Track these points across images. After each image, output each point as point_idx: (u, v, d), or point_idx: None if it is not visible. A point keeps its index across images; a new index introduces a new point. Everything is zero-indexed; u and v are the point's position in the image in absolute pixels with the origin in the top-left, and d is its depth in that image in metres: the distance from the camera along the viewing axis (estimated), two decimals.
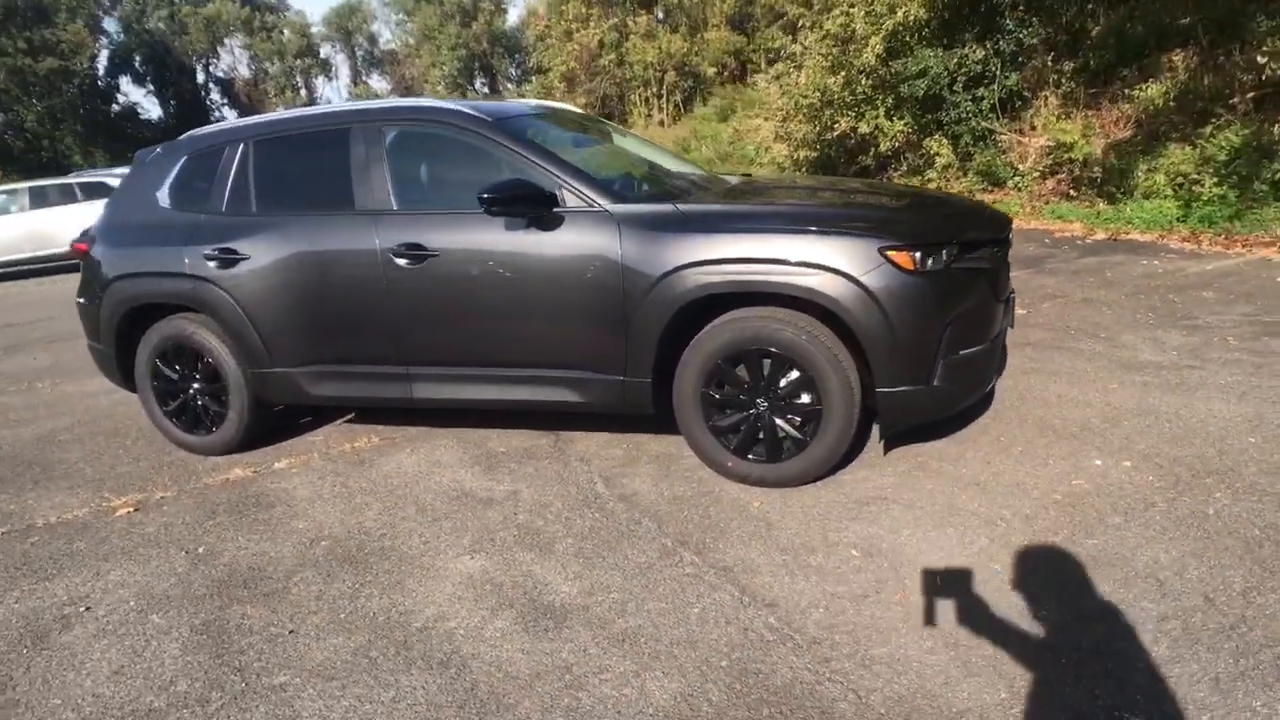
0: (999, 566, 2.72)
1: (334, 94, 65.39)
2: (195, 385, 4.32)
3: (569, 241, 3.46)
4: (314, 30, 61.89)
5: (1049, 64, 10.85)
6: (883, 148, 11.56)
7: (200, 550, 3.37)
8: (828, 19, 11.17)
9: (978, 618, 2.48)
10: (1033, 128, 10.93)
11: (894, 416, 3.25)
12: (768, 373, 3.33)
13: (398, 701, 2.35)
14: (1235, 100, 9.14)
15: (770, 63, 18.24)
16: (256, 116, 4.45)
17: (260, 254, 3.94)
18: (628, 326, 3.41)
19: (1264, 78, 8.96)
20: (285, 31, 60.51)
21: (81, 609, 3.01)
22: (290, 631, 2.74)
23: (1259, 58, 8.43)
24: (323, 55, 63.44)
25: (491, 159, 3.70)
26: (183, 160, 4.30)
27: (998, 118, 10.84)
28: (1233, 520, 2.87)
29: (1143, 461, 3.35)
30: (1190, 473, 3.22)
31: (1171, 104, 9.76)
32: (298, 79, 63.84)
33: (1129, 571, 2.63)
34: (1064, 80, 11.11)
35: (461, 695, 2.36)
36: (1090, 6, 11.17)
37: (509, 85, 56.56)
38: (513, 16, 56.85)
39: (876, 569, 2.79)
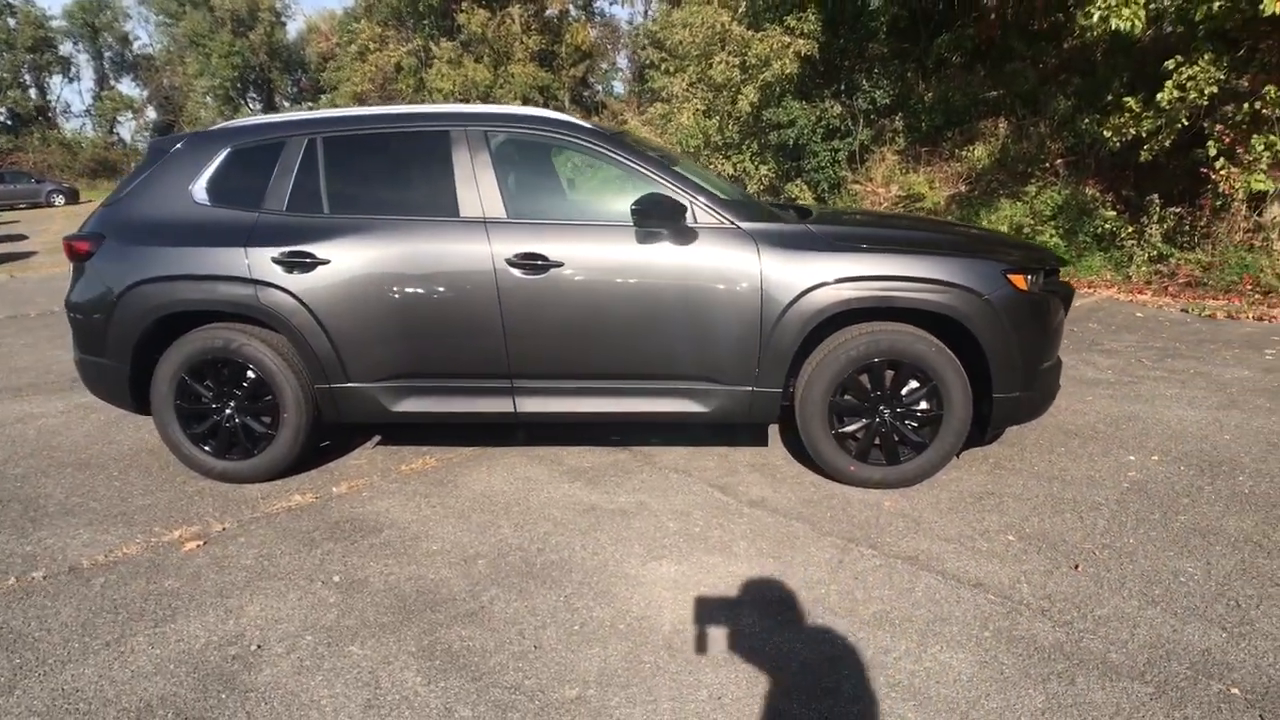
0: (1134, 540, 3.21)
1: (74, 97, 57.58)
2: (235, 404, 3.87)
3: (706, 256, 3.59)
4: (54, 24, 54.43)
5: (891, 123, 12.34)
6: (749, 189, 12.47)
7: (337, 579, 3.08)
8: (711, 67, 11.89)
9: (1161, 583, 2.93)
10: (870, 179, 12.35)
11: (1003, 420, 3.70)
12: (891, 382, 3.65)
13: (708, 702, 2.37)
14: (1047, 164, 10.97)
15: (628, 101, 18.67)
16: (314, 111, 4.12)
17: (342, 259, 3.67)
18: (764, 339, 3.59)
19: (1068, 147, 10.86)
20: (13, 20, 52.57)
21: (251, 646, 2.66)
22: (535, 647, 2.63)
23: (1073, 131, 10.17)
24: (62, 53, 55.89)
25: (613, 173, 3.75)
26: (225, 153, 3.89)
27: (851, 168, 12.12)
28: (1268, 495, 3.58)
29: (1164, 456, 4.05)
30: (1207, 462, 3.95)
31: (994, 164, 11.49)
32: (26, 76, 55.70)
33: (1227, 537, 3.22)
34: (898, 138, 12.68)
35: (783, 687, 2.41)
36: (924, 74, 12.88)
37: (285, 104, 53.15)
38: (292, 30, 53.78)
39: (1038, 549, 3.17)
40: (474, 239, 3.66)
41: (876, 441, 3.73)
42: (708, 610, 2.81)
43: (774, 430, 4.52)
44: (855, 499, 3.66)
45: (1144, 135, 8.12)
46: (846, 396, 3.67)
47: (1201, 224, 8.55)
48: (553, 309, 3.67)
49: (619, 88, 39.12)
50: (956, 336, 3.62)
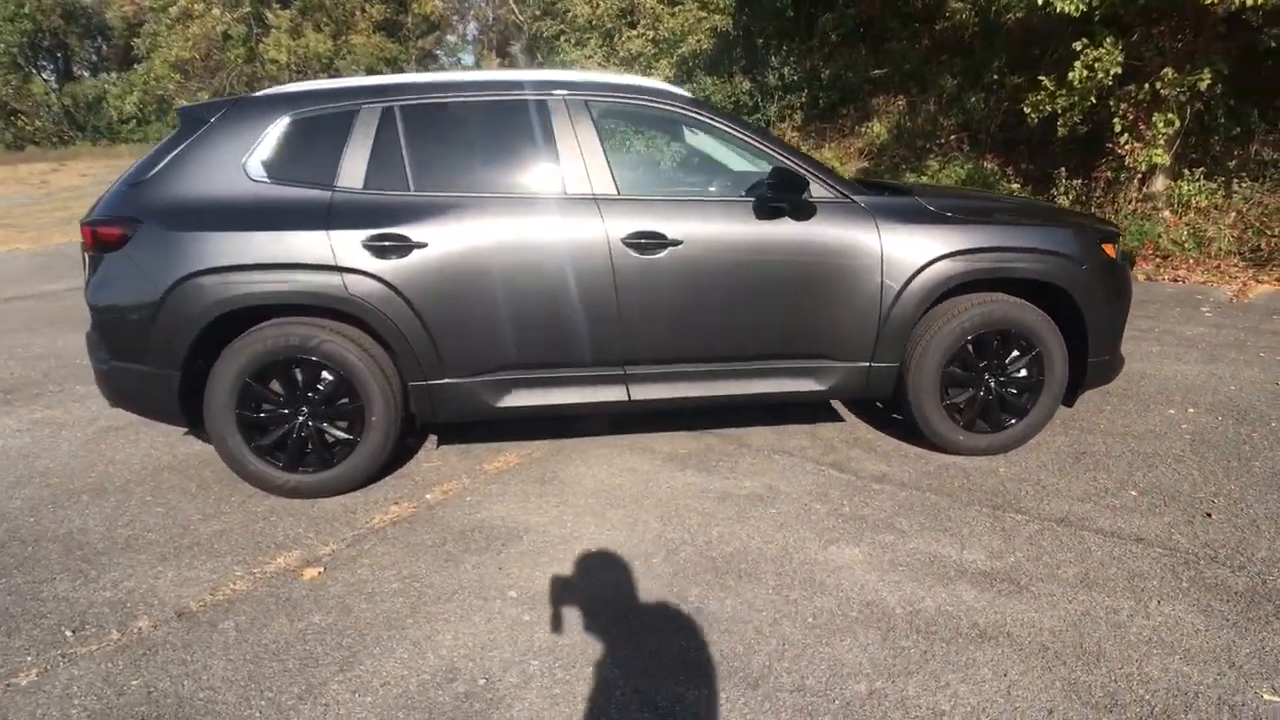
0: (1235, 486, 3.48)
1: None
2: (309, 409, 3.43)
3: (826, 232, 3.53)
4: None
5: (797, 99, 12.67)
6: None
7: (514, 594, 2.82)
8: (619, 41, 11.69)
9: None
10: None
11: (1094, 382, 3.90)
12: (997, 351, 3.75)
13: (992, 681, 2.36)
14: (941, 140, 11.65)
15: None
16: (386, 77, 3.65)
17: (440, 241, 3.32)
18: (884, 314, 3.59)
19: (959, 124, 11.57)
20: None
21: (477, 681, 2.38)
22: (785, 644, 2.51)
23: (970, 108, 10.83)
24: None
25: (728, 146, 3.61)
26: (280, 122, 3.40)
27: None
28: (1271, 433, 3.99)
29: (1198, 409, 4.42)
30: (1236, 411, 4.35)
31: (893, 140, 12.07)
32: None
33: None
34: (795, 114, 13.05)
35: (1050, 656, 2.44)
36: (810, 52, 13.28)
37: (84, 74, 47.20)
38: None
39: (1164, 502, 3.37)
40: (586, 217, 3.40)
41: (975, 408, 3.82)
42: (924, 589, 2.79)
43: (836, 405, 4.54)
44: (969, 468, 3.75)
45: (1060, 111, 8.76)
46: (955, 368, 3.73)
47: (1097, 195, 9.38)
48: (671, 290, 3.49)
49: (468, 59, 37.83)
50: (1051, 303, 3.75)
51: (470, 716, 2.23)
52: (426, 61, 36.03)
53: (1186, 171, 8.70)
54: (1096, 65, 8.47)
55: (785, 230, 3.50)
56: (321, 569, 2.98)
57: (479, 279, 3.36)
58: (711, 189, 3.83)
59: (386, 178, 3.38)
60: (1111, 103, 8.67)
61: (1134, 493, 3.46)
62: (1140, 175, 8.84)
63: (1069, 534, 3.13)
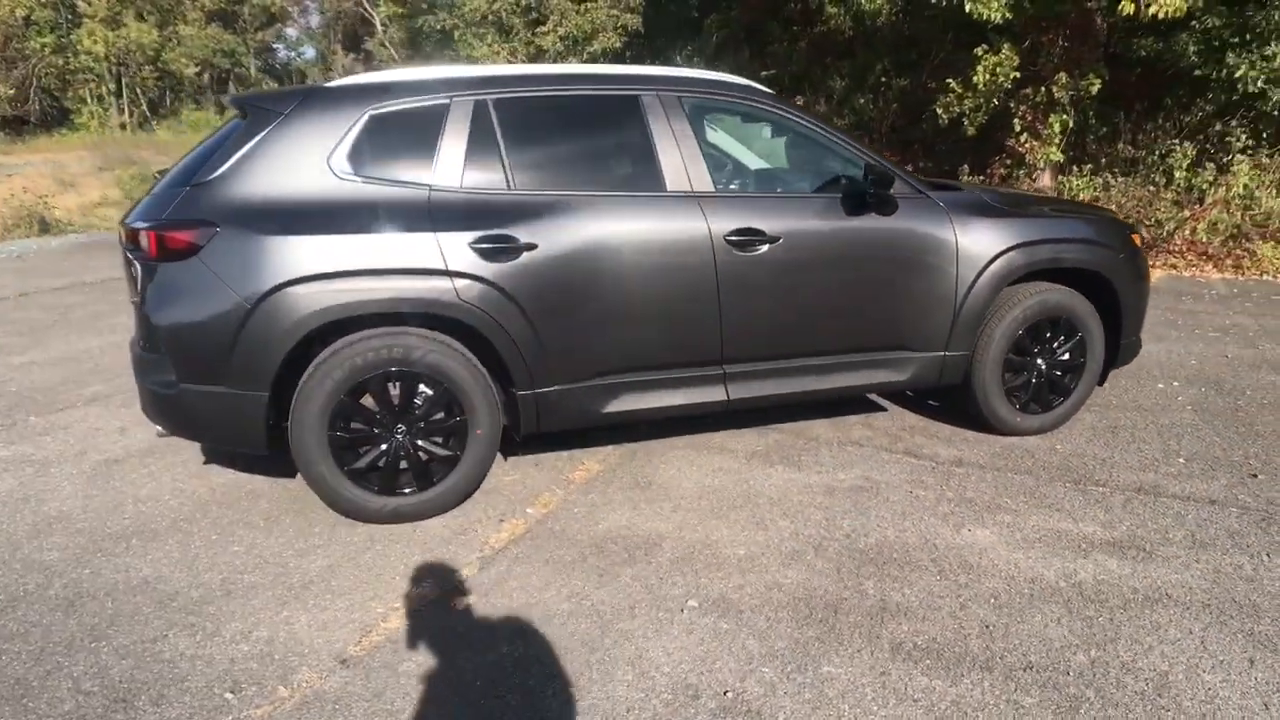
0: (1257, 449, 3.91)
1: None
2: (408, 426, 3.18)
3: (907, 227, 3.66)
4: None
5: None
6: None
7: (694, 604, 2.75)
8: (524, 37, 11.45)
9: None
10: None
11: (1124, 362, 4.25)
12: (1048, 337, 4.01)
13: (1200, 653, 2.55)
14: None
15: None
16: (471, 69, 3.41)
17: (550, 242, 3.18)
18: (959, 304, 3.76)
19: (851, 124, 12.20)
20: None
21: (725, 695, 2.31)
22: (986, 627, 2.60)
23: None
24: None
25: (809, 142, 3.66)
26: (367, 116, 3.12)
27: None
28: (1257, 398, 4.54)
29: (1180, 382, 4.91)
30: (1212, 382, 4.87)
31: None
32: None
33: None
34: None
35: (1233, 613, 2.65)
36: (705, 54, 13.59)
37: None
38: None
39: (1210, 466, 3.72)
40: (689, 215, 3.35)
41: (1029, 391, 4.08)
42: (1070, 562, 2.95)
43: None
44: (1028, 447, 3.99)
45: (967, 112, 9.42)
46: (1012, 354, 3.96)
47: None
48: (769, 287, 3.50)
49: (310, 52, 35.70)
50: (1090, 289, 4.05)
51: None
52: (266, 56, 33.78)
53: (1075, 167, 9.58)
54: (998, 70, 9.18)
55: (872, 225, 3.59)
56: (471, 596, 2.77)
57: (587, 280, 3.23)
58: (793, 186, 3.86)
59: (484, 176, 3.19)
60: (1012, 105, 9.41)
61: (1181, 460, 3.80)
62: (1031, 171, 9.64)
63: (1152, 502, 3.40)
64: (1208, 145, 9.58)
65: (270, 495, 3.52)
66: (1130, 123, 10.40)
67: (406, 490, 3.22)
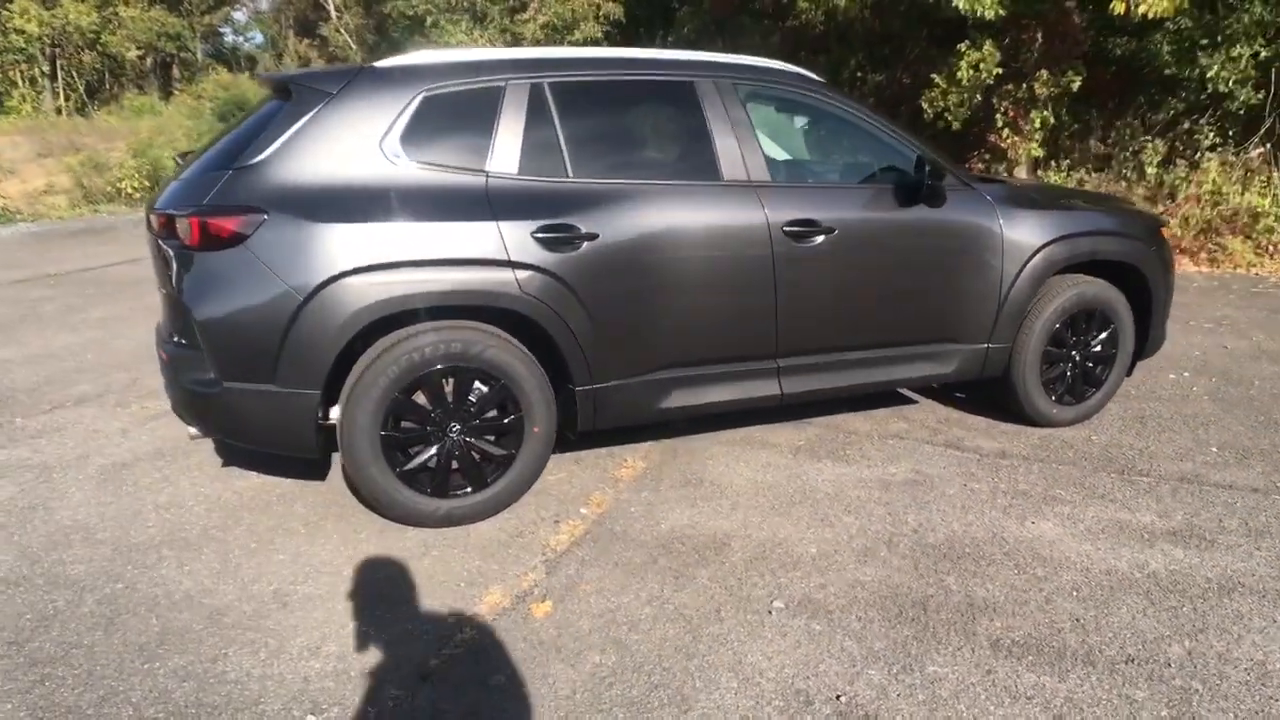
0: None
1: None
2: (462, 425, 3.04)
3: (956, 219, 3.63)
4: None
5: None
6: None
7: (780, 604, 2.67)
8: (516, 22, 11.20)
9: None
10: None
11: (1151, 352, 4.29)
12: (1083, 328, 4.03)
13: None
14: None
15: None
16: (523, 51, 3.26)
17: (611, 232, 3.07)
18: (1003, 297, 3.75)
19: None
20: None
21: (837, 699, 2.24)
22: (1076, 620, 2.58)
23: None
24: None
25: (859, 131, 3.61)
26: (420, 98, 2.96)
27: None
28: (1265, 387, 4.65)
29: (1190, 373, 4.99)
30: (1219, 372, 4.96)
31: None
32: None
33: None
34: None
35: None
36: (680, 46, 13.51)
37: None
38: None
39: (1243, 455, 3.78)
40: (748, 205, 3.27)
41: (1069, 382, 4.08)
42: (1137, 552, 2.95)
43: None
44: (1066, 438, 4.00)
45: (951, 107, 9.51)
46: (1050, 346, 3.97)
47: None
48: (824, 279, 3.45)
49: (259, 38, 34.47)
50: (1121, 281, 4.07)
51: None
52: (214, 39, 32.54)
53: (1053, 163, 9.75)
54: (981, 66, 9.28)
55: (922, 217, 3.55)
56: (549, 602, 2.65)
57: (647, 272, 3.13)
58: (839, 176, 3.79)
59: (542, 162, 3.05)
60: (995, 100, 9.53)
61: (1214, 449, 3.85)
62: (1010, 167, 9.79)
63: (1199, 490, 3.43)
64: (1177, 143, 9.84)
65: (304, 499, 3.33)
66: (1102, 120, 10.63)
67: (459, 492, 3.07)
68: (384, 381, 2.84)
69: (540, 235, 2.93)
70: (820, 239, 3.36)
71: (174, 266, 2.82)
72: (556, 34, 11.26)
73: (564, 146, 3.08)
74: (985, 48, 9.29)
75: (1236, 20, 8.47)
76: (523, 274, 2.92)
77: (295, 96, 2.89)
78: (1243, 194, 8.95)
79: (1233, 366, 5.04)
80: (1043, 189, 4.46)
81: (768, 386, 3.47)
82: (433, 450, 3.00)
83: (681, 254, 3.17)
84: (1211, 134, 9.34)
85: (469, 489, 3.08)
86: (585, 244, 3.00)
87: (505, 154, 3.00)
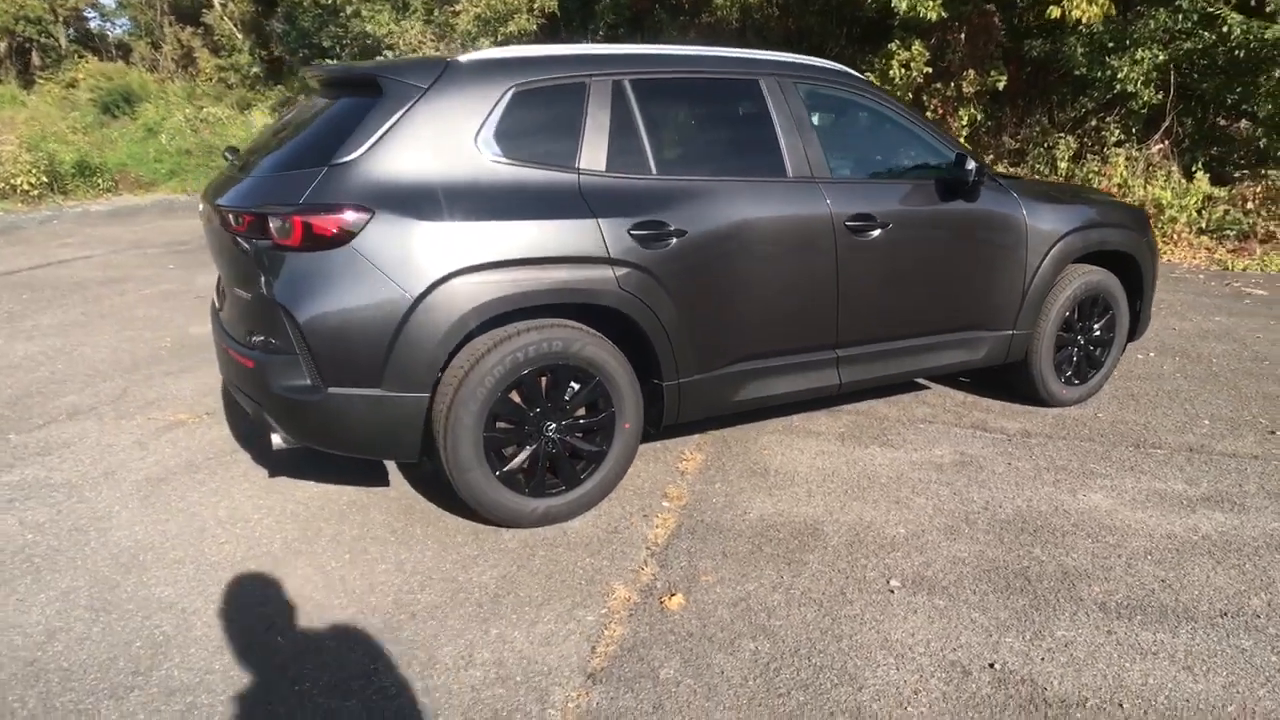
0: (1257, 409, 4.42)
1: None
2: (559, 423, 3.03)
3: (990, 211, 3.85)
4: None
5: None
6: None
7: (895, 583, 2.80)
8: (442, 12, 10.90)
9: None
10: None
11: (1139, 336, 4.66)
12: (1088, 314, 4.34)
13: None
14: None
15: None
16: (597, 46, 3.23)
17: (697, 229, 3.12)
18: (1028, 285, 4.01)
19: None
20: None
21: (985, 666, 2.38)
22: (1163, 583, 2.81)
23: None
24: None
25: (900, 127, 3.78)
26: (508, 93, 2.91)
27: None
28: (1223, 363, 5.14)
29: (1156, 353, 5.44)
30: (1179, 351, 5.44)
31: None
32: None
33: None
34: None
35: None
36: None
37: None
38: None
39: (1234, 426, 4.17)
40: (815, 201, 3.38)
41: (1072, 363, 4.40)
42: (1184, 519, 3.23)
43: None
44: (1076, 417, 4.30)
45: None
46: (1062, 331, 4.26)
47: None
48: (878, 271, 3.59)
49: (125, 24, 32.06)
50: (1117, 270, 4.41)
51: (1023, 703, 2.22)
52: (78, 24, 30.07)
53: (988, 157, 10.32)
54: (911, 65, 9.73)
55: (962, 209, 3.74)
56: (679, 595, 2.68)
57: (728, 267, 3.19)
58: (900, 170, 3.94)
59: (627, 159, 3.06)
60: (925, 98, 10.01)
61: (1207, 422, 4.23)
62: None
63: (1210, 459, 3.77)
64: (1085, 139, 10.60)
65: (378, 506, 3.23)
66: (1014, 117, 11.33)
67: (554, 491, 3.04)
68: (490, 382, 2.79)
69: (636, 232, 2.94)
70: (876, 232, 3.49)
71: (261, 267, 2.67)
72: (489, 26, 11.06)
73: (646, 143, 3.09)
74: (915, 47, 9.74)
75: (1143, 25, 9.19)
76: (621, 271, 2.92)
77: (386, 91, 2.79)
78: (1146, 186, 9.74)
79: (1188, 346, 5.52)
80: (1047, 184, 4.77)
81: (828, 377, 3.59)
82: (529, 450, 2.96)
83: (757, 249, 3.24)
84: (1117, 131, 10.10)
85: (563, 487, 3.06)
86: (675, 240, 3.03)
87: (594, 150, 2.98)
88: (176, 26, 29.20)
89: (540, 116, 2.95)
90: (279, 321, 2.66)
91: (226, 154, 3.46)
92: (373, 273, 2.60)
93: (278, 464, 3.53)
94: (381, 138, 2.71)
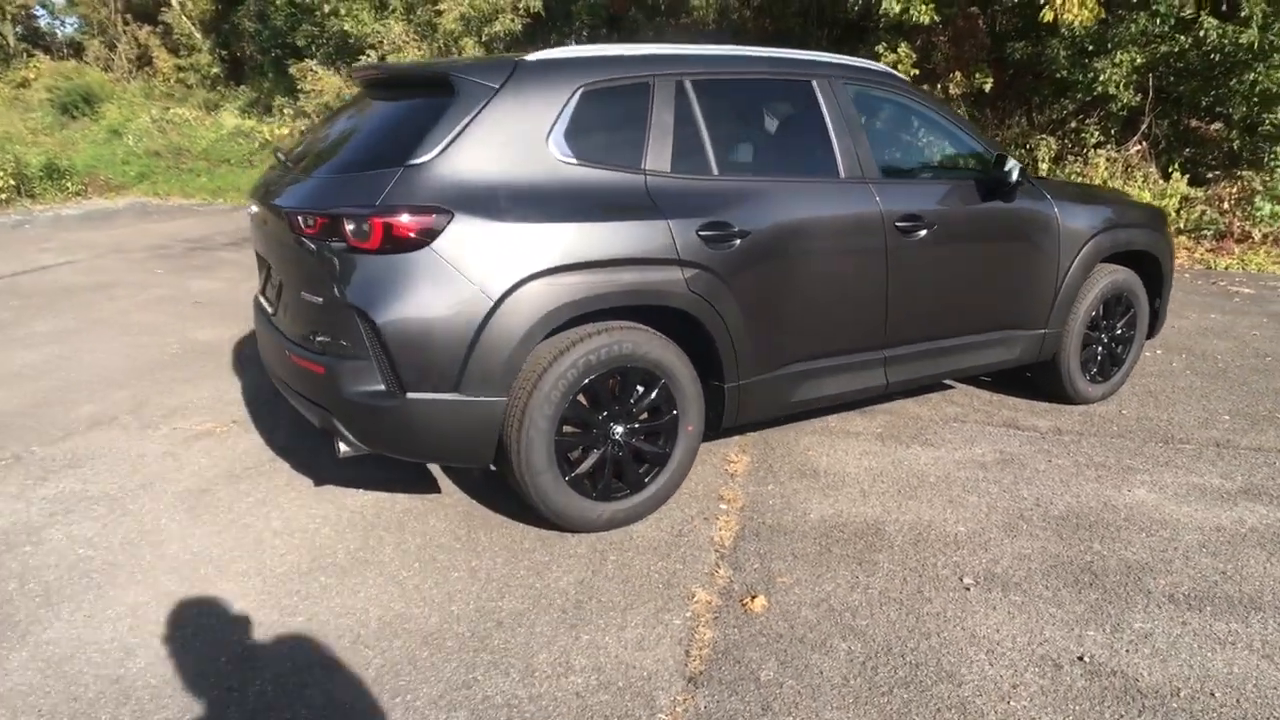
0: (1272, 404, 4.56)
1: None
2: (625, 426, 3.02)
3: (1026, 211, 3.91)
4: None
5: None
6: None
7: (966, 578, 2.83)
8: (424, 11, 10.78)
9: None
10: None
11: (1156, 334, 4.77)
12: (1112, 312, 4.43)
13: None
14: None
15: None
16: (655, 46, 3.21)
17: (759, 229, 3.13)
18: (1060, 284, 4.08)
19: None
20: None
21: (1073, 660, 2.42)
22: (1227, 574, 2.88)
23: None
24: None
25: (940, 128, 3.83)
26: (577, 93, 2.89)
27: None
28: (1228, 360, 5.29)
29: (1163, 350, 5.58)
30: (1185, 350, 5.58)
31: None
32: None
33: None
34: None
35: None
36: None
37: None
38: None
39: (1254, 420, 4.29)
40: (867, 201, 3.41)
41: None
42: (1228, 511, 3.31)
43: None
44: (1102, 413, 4.39)
45: None
46: (1088, 329, 4.35)
47: None
48: (924, 271, 3.63)
49: (71, 24, 31.09)
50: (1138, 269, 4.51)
51: (1118, 694, 2.26)
52: (27, 22, 29.10)
53: None
54: (898, 67, 9.85)
55: (1001, 209, 3.80)
56: (761, 597, 2.68)
57: (788, 268, 3.21)
58: (938, 170, 3.98)
59: (690, 159, 3.06)
60: None
61: (1226, 417, 4.35)
62: None
63: (1238, 453, 3.88)
64: (1065, 140, 10.84)
65: (436, 514, 3.18)
66: (995, 119, 11.53)
67: (619, 494, 3.03)
68: (564, 385, 2.76)
69: (703, 233, 2.94)
70: (924, 232, 3.53)
71: (333, 270, 2.61)
72: (472, 26, 10.96)
73: (707, 143, 3.09)
74: (901, 49, 9.87)
75: (1125, 29, 9.42)
76: (689, 272, 2.91)
77: (459, 90, 2.74)
78: (1125, 187, 9.99)
79: (1192, 344, 5.66)
80: (1074, 184, 4.87)
81: (876, 377, 3.62)
82: (596, 454, 2.94)
83: (814, 251, 3.26)
84: (1097, 133, 10.34)
85: (627, 491, 3.04)
86: (738, 241, 3.03)
87: (659, 150, 2.98)
88: (134, 25, 28.47)
89: (607, 116, 2.94)
90: (353, 326, 2.61)
91: (278, 154, 3.38)
92: (453, 275, 2.56)
93: (322, 473, 3.46)
94: (456, 138, 2.67)
